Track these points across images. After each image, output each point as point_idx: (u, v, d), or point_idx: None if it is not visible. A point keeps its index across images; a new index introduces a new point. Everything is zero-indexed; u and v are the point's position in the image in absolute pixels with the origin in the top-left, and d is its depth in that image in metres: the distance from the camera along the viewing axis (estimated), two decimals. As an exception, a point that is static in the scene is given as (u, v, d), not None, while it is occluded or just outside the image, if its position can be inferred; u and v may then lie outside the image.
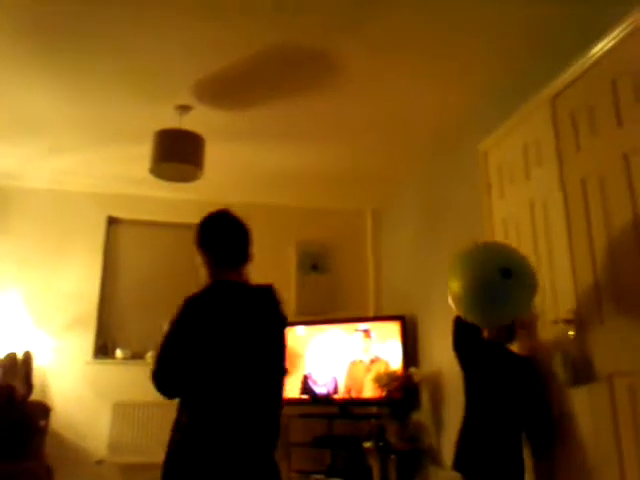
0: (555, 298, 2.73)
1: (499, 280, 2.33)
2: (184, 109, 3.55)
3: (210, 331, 1.90)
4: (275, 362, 2.00)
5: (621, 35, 2.37)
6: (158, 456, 4.58)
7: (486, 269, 2.39)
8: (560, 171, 2.74)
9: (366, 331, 4.59)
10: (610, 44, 2.43)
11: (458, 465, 2.73)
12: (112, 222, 5.17)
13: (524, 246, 3.03)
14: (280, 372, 2.03)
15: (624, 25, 2.34)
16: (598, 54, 2.50)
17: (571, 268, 2.62)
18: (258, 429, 1.94)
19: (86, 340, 4.80)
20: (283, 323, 2.08)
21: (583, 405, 2.50)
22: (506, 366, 2.76)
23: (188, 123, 3.53)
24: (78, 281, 4.89)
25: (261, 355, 1.95)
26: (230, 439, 1.84)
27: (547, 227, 2.85)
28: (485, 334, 2.90)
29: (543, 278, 2.83)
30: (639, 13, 2.27)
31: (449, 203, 4.00)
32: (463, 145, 3.78)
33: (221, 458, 1.82)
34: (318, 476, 4.36)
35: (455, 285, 2.47)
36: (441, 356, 4.01)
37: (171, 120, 3.54)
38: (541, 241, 2.90)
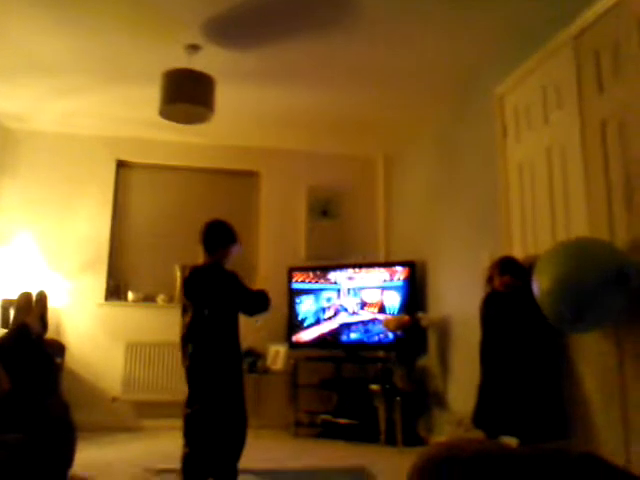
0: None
1: (611, 286, 2.08)
2: (193, 48, 3.45)
3: None
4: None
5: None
6: (168, 394, 4.75)
7: (599, 273, 2.12)
8: (580, 113, 2.66)
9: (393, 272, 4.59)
10: (639, -21, 2.31)
11: (478, 421, 2.77)
12: (122, 165, 5.14)
13: (539, 193, 2.99)
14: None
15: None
16: (626, -11, 2.39)
17: (587, 214, 2.58)
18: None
19: (98, 282, 4.87)
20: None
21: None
22: (525, 315, 2.70)
23: (198, 63, 3.44)
24: (89, 224, 4.92)
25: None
26: None
27: (564, 173, 2.79)
28: (497, 284, 2.89)
29: (558, 226, 2.81)
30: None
31: (463, 148, 3.93)
32: (479, 89, 3.67)
33: None
34: (326, 416, 4.47)
35: (547, 281, 2.25)
36: (449, 302, 4.04)
37: (180, 60, 3.45)
38: (557, 187, 2.85)
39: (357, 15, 3.10)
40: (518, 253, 3.10)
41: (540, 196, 2.98)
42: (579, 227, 2.63)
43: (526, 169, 3.13)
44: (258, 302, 2.91)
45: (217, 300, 2.81)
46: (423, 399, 4.19)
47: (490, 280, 2.95)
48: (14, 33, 3.35)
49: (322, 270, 4.83)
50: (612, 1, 2.47)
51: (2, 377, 3.08)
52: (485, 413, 2.77)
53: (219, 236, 2.95)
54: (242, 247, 3.13)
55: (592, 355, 2.52)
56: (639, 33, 2.33)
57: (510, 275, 2.84)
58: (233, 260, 2.98)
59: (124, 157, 5.13)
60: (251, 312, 2.92)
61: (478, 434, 2.79)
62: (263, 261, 5.18)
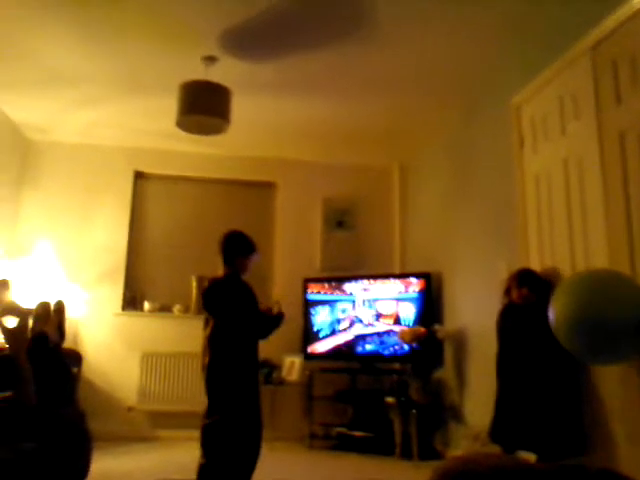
0: (587, 258, 2.67)
1: (632, 335, 2.04)
2: (210, 60, 3.49)
3: None
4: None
5: (670, -22, 2.23)
6: (183, 404, 4.75)
7: (618, 317, 2.06)
8: (598, 125, 2.64)
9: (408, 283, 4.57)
10: (658, -12, 2.30)
11: (495, 435, 2.74)
12: (139, 176, 5.20)
13: (556, 204, 2.96)
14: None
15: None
16: (644, -1, 2.37)
17: (605, 227, 2.55)
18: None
19: (115, 292, 4.90)
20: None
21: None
22: (543, 328, 2.68)
23: (214, 75, 3.48)
24: (107, 234, 4.97)
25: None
26: None
27: (581, 184, 2.77)
28: (515, 296, 2.86)
29: (576, 237, 2.77)
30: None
31: (479, 159, 3.91)
32: (495, 98, 3.66)
33: None
34: (340, 429, 4.44)
35: (565, 312, 2.21)
36: (466, 314, 4.00)
37: (197, 72, 3.48)
38: (574, 199, 2.81)
39: (372, 26, 3.11)
40: (535, 264, 3.06)
41: (557, 207, 2.95)
42: (597, 240, 2.59)
43: (543, 180, 3.10)
44: (263, 328, 2.88)
45: (231, 313, 2.83)
46: (439, 412, 4.15)
47: (508, 292, 2.92)
48: (36, 47, 3.41)
49: (337, 281, 4.82)
50: (630, 12, 2.45)
51: (30, 392, 3.13)
52: (502, 428, 2.73)
53: (237, 246, 2.98)
54: (260, 256, 3.14)
55: (614, 378, 2.47)
56: (658, 43, 2.31)
57: (528, 288, 2.81)
58: (252, 269, 3.00)
59: (142, 168, 5.18)
60: (255, 335, 2.87)
61: (495, 449, 2.75)
62: (278, 272, 5.18)
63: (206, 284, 3.00)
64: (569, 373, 2.64)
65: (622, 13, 2.49)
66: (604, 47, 2.64)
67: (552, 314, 2.29)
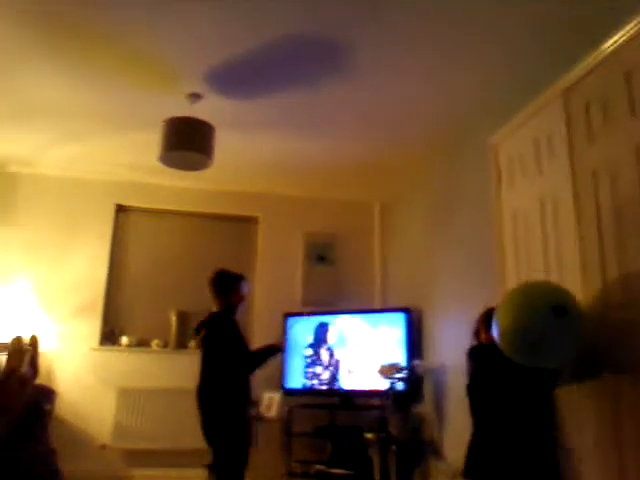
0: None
1: (551, 319, 2.20)
2: (195, 97, 3.54)
3: None
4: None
5: (636, 27, 2.35)
6: (161, 442, 4.66)
7: (537, 306, 2.27)
8: (572, 164, 2.73)
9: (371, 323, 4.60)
10: (624, 36, 2.42)
11: (468, 472, 2.73)
12: (121, 210, 5.19)
13: (532, 242, 3.03)
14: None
15: (638, 18, 2.33)
16: (612, 46, 2.49)
17: (580, 263, 2.61)
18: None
19: (93, 326, 4.83)
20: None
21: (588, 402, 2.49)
22: (511, 366, 2.70)
23: (198, 111, 3.52)
24: (86, 268, 4.92)
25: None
26: None
27: (556, 221, 2.84)
28: (482, 337, 2.89)
29: (552, 273, 2.83)
30: (655, 6, 2.25)
31: (458, 197, 3.99)
32: (473, 138, 3.76)
33: None
34: (319, 466, 4.37)
35: (502, 323, 2.36)
36: (445, 350, 4.02)
37: (181, 108, 3.53)
38: (550, 237, 2.88)
39: (353, 67, 3.20)
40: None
41: (534, 244, 3.02)
42: (572, 277, 2.65)
43: (520, 217, 3.18)
44: (248, 364, 3.17)
45: (224, 349, 3.08)
46: (419, 448, 4.11)
47: (476, 334, 2.94)
48: (20, 81, 3.43)
49: (318, 316, 4.81)
50: (599, 57, 2.57)
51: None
52: (475, 464, 2.72)
53: (225, 283, 3.26)
54: (248, 283, 3.45)
55: (587, 410, 2.50)
56: (627, 87, 2.42)
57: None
58: (245, 302, 3.37)
59: (123, 201, 5.18)
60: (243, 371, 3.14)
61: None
62: (259, 306, 5.16)
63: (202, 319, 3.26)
64: (540, 410, 2.66)
65: (592, 59, 2.61)
66: (576, 91, 2.76)
67: (495, 332, 2.41)
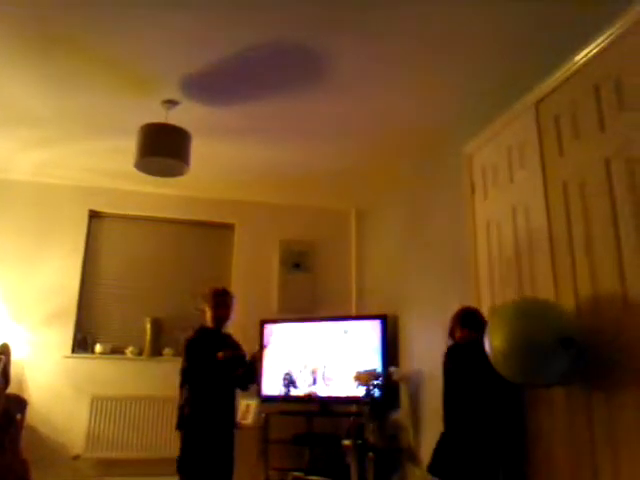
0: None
1: (558, 350, 2.19)
2: (171, 104, 3.52)
3: None
4: None
5: (605, 42, 2.42)
6: (135, 451, 4.61)
7: (545, 335, 2.23)
8: (543, 175, 2.79)
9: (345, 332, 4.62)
10: (594, 51, 2.49)
11: (433, 469, 2.77)
12: (94, 216, 5.12)
13: (505, 249, 3.08)
14: None
15: (608, 32, 2.40)
16: (582, 60, 2.56)
17: (551, 268, 2.67)
18: None
19: (65, 334, 4.75)
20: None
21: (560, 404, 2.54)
22: (483, 366, 2.75)
23: (175, 118, 3.51)
24: (58, 275, 4.84)
25: None
26: None
27: (528, 230, 2.90)
28: (457, 336, 2.93)
29: (524, 279, 2.89)
30: (622, 21, 2.32)
31: (433, 204, 4.04)
32: (448, 147, 3.82)
33: None
34: (297, 473, 4.37)
35: (500, 341, 2.32)
36: (421, 356, 4.05)
37: (157, 115, 3.51)
38: (523, 244, 2.94)
39: (329, 76, 3.22)
40: (486, 306, 3.16)
41: (507, 253, 3.07)
42: (544, 284, 2.70)
43: (493, 225, 3.23)
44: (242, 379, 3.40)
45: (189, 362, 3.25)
46: (396, 455, 4.14)
47: (451, 333, 2.99)
48: (-8, 86, 3.38)
49: (294, 323, 4.82)
50: (570, 70, 2.63)
51: None
52: (441, 461, 2.76)
53: (204, 300, 3.45)
54: (220, 298, 3.51)
55: (560, 412, 2.55)
56: (596, 101, 2.48)
57: (469, 328, 2.89)
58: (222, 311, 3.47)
59: (97, 207, 5.12)
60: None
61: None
62: (235, 313, 5.13)
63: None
64: (511, 411, 2.72)
65: (563, 72, 2.67)
66: (547, 103, 2.82)
67: (488, 346, 2.38)
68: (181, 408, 3.22)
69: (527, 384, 2.54)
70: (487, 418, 2.67)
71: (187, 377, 3.21)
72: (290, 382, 4.66)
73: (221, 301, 3.42)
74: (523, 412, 2.75)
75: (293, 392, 4.63)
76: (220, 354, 3.15)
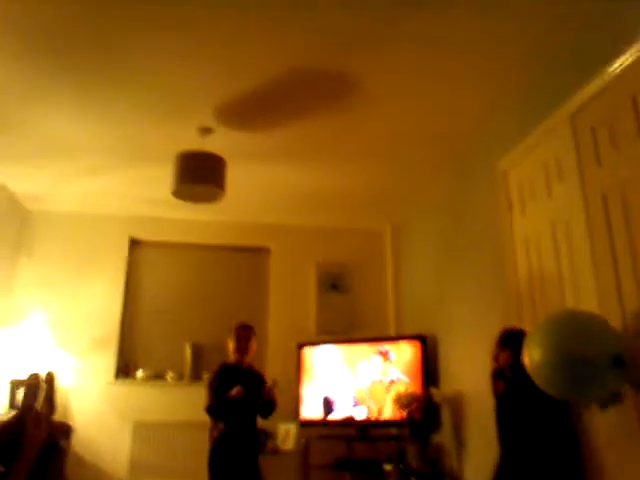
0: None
1: (609, 368, 2.10)
2: (206, 131, 3.61)
3: None
4: None
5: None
6: (177, 477, 4.61)
7: (598, 353, 2.13)
8: (582, 187, 2.72)
9: (384, 353, 4.55)
10: (630, 59, 2.43)
11: None
12: (134, 244, 5.24)
13: (546, 265, 3.01)
14: None
15: (643, 41, 2.35)
16: (618, 69, 2.50)
17: (596, 288, 2.58)
18: None
19: (108, 361, 4.84)
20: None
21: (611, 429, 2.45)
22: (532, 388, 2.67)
23: (210, 145, 3.59)
24: (101, 302, 4.96)
25: None
26: None
27: (569, 245, 2.82)
28: (501, 360, 2.85)
29: (567, 299, 2.80)
30: (658, 29, 2.27)
31: (470, 221, 3.99)
32: (482, 162, 3.77)
33: None
34: (339, 499, 4.30)
35: (544, 352, 2.24)
36: (462, 376, 3.96)
37: (193, 142, 3.60)
38: (564, 260, 2.86)
39: (361, 95, 3.25)
40: (528, 325, 3.07)
41: (548, 269, 2.99)
42: (589, 301, 2.62)
43: (532, 241, 3.16)
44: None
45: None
46: (438, 479, 4.03)
47: (496, 358, 2.92)
48: (34, 118, 3.52)
49: (332, 345, 4.78)
50: (605, 81, 2.58)
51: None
52: None
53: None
54: (236, 334, 3.67)
55: (611, 427, 2.45)
56: (634, 111, 2.42)
57: (510, 349, 2.80)
58: (244, 347, 3.63)
59: (137, 235, 5.24)
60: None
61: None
62: (273, 337, 5.15)
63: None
64: (566, 431, 2.62)
65: (598, 82, 2.62)
66: (583, 114, 2.76)
67: (528, 360, 2.29)
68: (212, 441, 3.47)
69: (571, 400, 2.43)
70: (544, 444, 2.58)
71: (211, 413, 3.46)
72: (329, 406, 4.61)
73: (242, 335, 3.60)
74: (576, 435, 2.64)
75: (332, 416, 4.58)
76: (233, 392, 3.34)
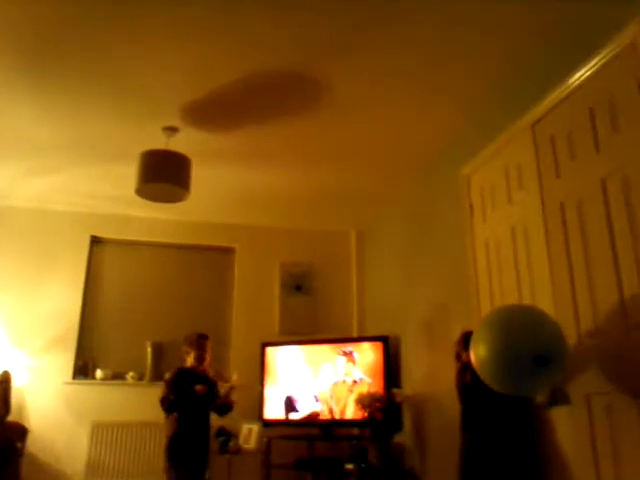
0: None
1: (531, 368, 2.16)
2: (171, 130, 3.57)
3: None
4: None
5: (599, 64, 2.45)
6: (136, 478, 4.56)
7: (520, 354, 2.19)
8: (541, 195, 2.81)
9: (348, 354, 4.60)
10: (589, 72, 2.52)
11: None
12: (95, 242, 5.14)
13: (505, 269, 3.09)
14: None
15: (602, 54, 2.43)
16: (577, 82, 2.59)
17: (551, 288, 2.68)
18: None
19: (66, 360, 4.74)
20: None
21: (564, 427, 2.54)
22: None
23: (175, 144, 3.55)
24: (59, 301, 4.84)
25: None
26: None
27: (528, 250, 2.91)
28: (465, 359, 2.93)
29: (524, 299, 2.89)
30: (613, 44, 2.36)
31: (433, 225, 4.06)
32: (446, 168, 3.85)
33: None
34: (300, 499, 4.32)
35: (482, 351, 2.31)
36: (423, 377, 4.04)
37: (158, 141, 3.56)
38: (522, 265, 2.95)
39: (329, 100, 3.28)
40: (489, 328, 3.16)
41: (507, 273, 3.08)
42: (543, 300, 2.71)
43: (492, 245, 3.25)
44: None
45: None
46: (399, 478, 4.09)
47: (458, 357, 3.00)
48: (-6, 115, 3.42)
49: (295, 345, 4.80)
50: (565, 92, 2.67)
51: None
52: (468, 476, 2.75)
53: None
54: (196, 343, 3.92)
55: (566, 425, 2.55)
56: (590, 121, 2.52)
57: None
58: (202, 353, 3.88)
59: (98, 233, 5.14)
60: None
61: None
62: (236, 336, 5.13)
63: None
64: (525, 425, 2.72)
65: (558, 93, 2.71)
66: (543, 124, 2.85)
67: (474, 357, 2.36)
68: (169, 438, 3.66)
69: (514, 395, 2.52)
70: (506, 433, 2.67)
71: (172, 407, 3.66)
72: (291, 405, 4.63)
73: (203, 345, 3.86)
74: (534, 429, 2.74)
75: (294, 416, 4.60)
76: (199, 387, 3.67)
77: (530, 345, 2.19)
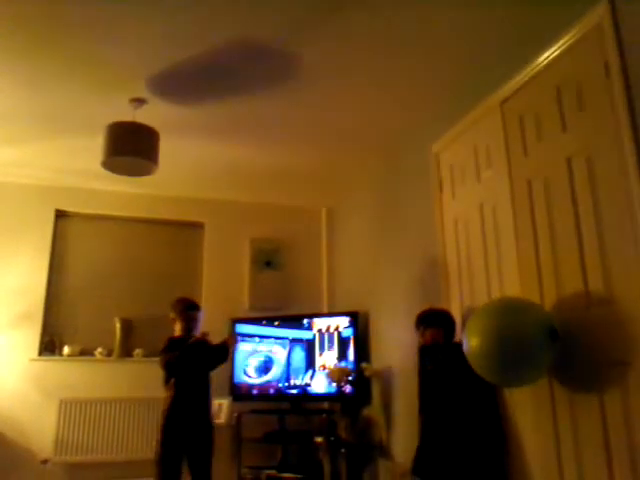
0: (502, 293, 2.84)
1: (545, 342, 2.24)
2: (138, 102, 3.49)
3: None
4: None
5: (567, 44, 2.48)
6: (106, 454, 4.56)
7: (533, 329, 2.26)
8: (509, 173, 2.85)
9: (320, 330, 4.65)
10: (556, 52, 2.55)
11: (416, 470, 2.81)
12: (60, 216, 5.03)
13: (473, 245, 3.14)
14: None
15: (570, 35, 2.46)
16: (545, 62, 2.61)
17: (517, 264, 2.73)
18: None
19: (32, 336, 4.66)
20: None
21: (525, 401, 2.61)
22: (455, 365, 2.80)
23: (142, 116, 3.47)
24: (24, 276, 4.74)
25: None
26: None
27: (495, 227, 2.96)
28: (424, 339, 3.00)
29: (492, 275, 2.95)
30: (583, 25, 2.38)
31: (402, 202, 4.09)
32: (416, 146, 3.86)
33: None
34: (270, 471, 4.38)
35: (481, 339, 2.33)
36: (391, 352, 4.10)
37: (125, 113, 3.47)
38: (490, 242, 3.00)
39: (297, 76, 3.23)
40: (456, 303, 3.22)
41: (475, 250, 3.13)
42: (511, 282, 2.77)
43: (461, 224, 3.29)
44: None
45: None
46: (368, 450, 4.18)
47: (422, 335, 3.07)
48: (-48, 83, 3.29)
49: (266, 321, 4.82)
50: (533, 72, 2.70)
51: None
52: (424, 462, 2.81)
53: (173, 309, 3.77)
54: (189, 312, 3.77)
55: (528, 405, 2.62)
56: (557, 101, 2.55)
57: (433, 327, 2.96)
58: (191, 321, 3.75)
59: (63, 207, 5.03)
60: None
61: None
62: (206, 312, 5.09)
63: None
64: (486, 407, 2.77)
65: (527, 72, 2.73)
66: (511, 103, 2.88)
67: (468, 347, 2.40)
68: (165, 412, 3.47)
69: (505, 382, 2.56)
70: (467, 418, 2.72)
71: (172, 368, 3.49)
72: (266, 367, 4.66)
73: (191, 316, 3.72)
74: (499, 412, 2.80)
75: (266, 378, 4.62)
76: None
77: (540, 322, 2.27)
